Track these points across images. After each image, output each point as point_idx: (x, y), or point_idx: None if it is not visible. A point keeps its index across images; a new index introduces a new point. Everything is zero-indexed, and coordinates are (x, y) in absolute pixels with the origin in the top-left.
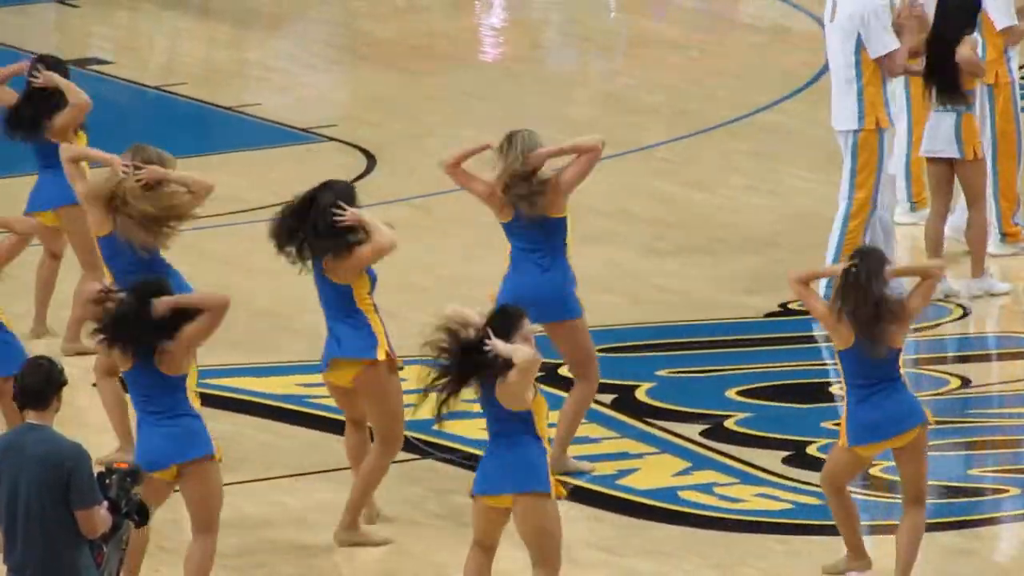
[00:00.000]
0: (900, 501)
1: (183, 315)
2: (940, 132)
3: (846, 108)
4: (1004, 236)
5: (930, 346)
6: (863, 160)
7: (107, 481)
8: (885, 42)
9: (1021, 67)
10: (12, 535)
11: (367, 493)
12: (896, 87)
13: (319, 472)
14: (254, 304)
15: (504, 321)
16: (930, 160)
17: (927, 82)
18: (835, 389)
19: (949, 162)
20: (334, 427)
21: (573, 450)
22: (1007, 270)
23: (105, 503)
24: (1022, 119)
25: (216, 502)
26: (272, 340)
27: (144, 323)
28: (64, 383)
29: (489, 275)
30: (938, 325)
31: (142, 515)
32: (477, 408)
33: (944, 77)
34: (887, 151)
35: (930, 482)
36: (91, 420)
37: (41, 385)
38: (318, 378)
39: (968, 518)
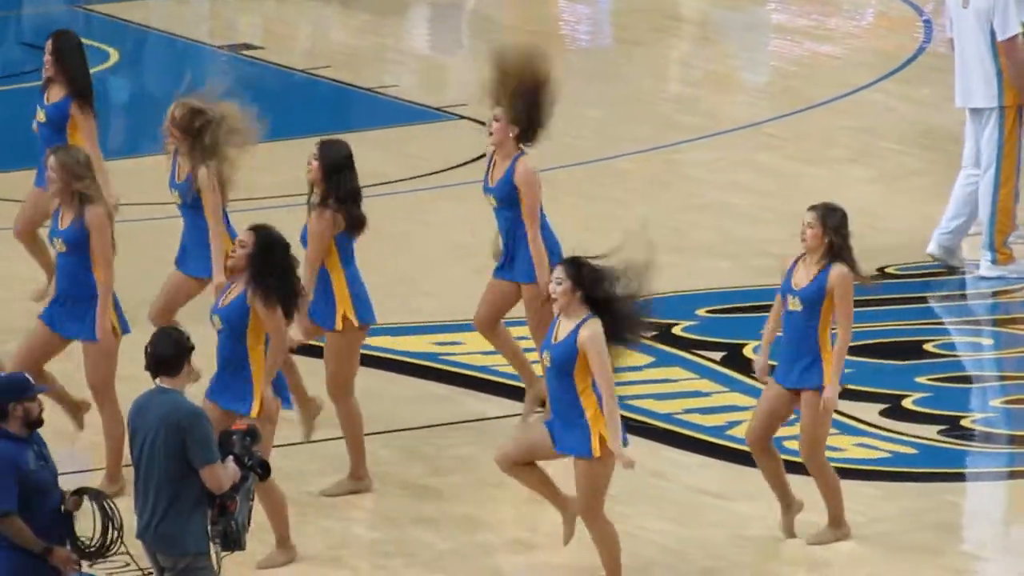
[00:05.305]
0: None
1: None
2: None
3: (984, 87)
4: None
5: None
6: (1008, 132)
7: (231, 440)
8: (1009, 27)
9: None
10: (141, 488)
11: None
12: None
13: (449, 424)
14: (389, 268)
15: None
16: None
17: None
18: (929, 347)
19: None
20: (466, 382)
21: (687, 403)
22: None
23: (230, 458)
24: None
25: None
26: (407, 302)
27: None
28: (191, 348)
29: (606, 246)
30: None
31: (264, 469)
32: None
33: None
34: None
35: None
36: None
37: (171, 352)
38: (450, 337)
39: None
